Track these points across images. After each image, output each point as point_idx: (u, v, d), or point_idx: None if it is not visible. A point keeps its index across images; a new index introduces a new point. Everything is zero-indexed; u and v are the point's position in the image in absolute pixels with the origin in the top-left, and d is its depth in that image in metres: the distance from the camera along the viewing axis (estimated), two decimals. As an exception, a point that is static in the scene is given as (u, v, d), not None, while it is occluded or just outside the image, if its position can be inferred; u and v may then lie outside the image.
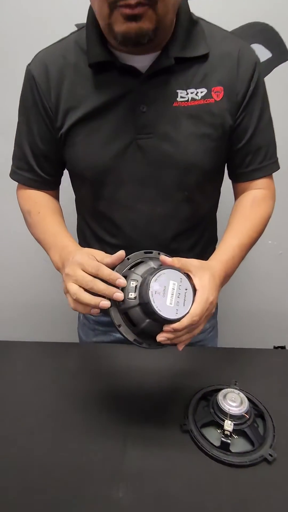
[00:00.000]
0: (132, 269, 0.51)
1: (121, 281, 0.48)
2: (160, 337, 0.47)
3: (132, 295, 0.48)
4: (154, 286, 0.46)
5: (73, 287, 0.48)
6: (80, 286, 0.48)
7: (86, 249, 0.53)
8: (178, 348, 0.50)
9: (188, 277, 0.50)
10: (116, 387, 0.66)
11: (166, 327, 0.47)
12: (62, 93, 0.59)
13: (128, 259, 0.51)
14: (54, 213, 0.67)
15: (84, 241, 0.75)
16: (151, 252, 0.53)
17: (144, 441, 0.56)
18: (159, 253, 0.53)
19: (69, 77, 0.59)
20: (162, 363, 0.71)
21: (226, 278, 0.58)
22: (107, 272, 0.48)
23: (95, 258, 0.50)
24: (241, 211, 0.65)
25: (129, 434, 0.57)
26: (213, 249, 0.78)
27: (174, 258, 0.49)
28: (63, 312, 1.21)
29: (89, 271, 0.48)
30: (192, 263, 0.51)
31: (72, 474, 0.52)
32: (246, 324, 1.30)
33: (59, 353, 0.74)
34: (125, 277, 0.49)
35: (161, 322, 0.47)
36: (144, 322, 0.48)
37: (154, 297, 0.46)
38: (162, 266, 0.49)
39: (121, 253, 0.50)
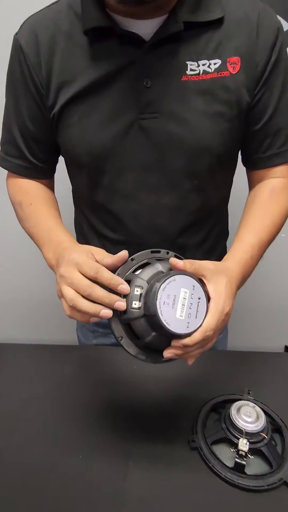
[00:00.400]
0: (137, 273, 0.44)
1: (124, 287, 0.42)
2: (168, 353, 0.41)
3: (136, 304, 0.42)
4: (163, 296, 0.40)
5: (69, 292, 0.42)
6: (76, 291, 0.42)
7: (85, 246, 0.47)
8: (187, 363, 0.44)
9: (201, 282, 0.43)
10: (116, 395, 0.60)
11: (175, 342, 0.41)
12: (54, 66, 0.52)
13: (132, 259, 0.45)
14: (48, 205, 0.60)
15: (82, 236, 0.68)
16: (159, 252, 0.46)
17: (148, 460, 0.50)
18: (168, 253, 0.46)
19: (61, 47, 0.51)
20: (167, 369, 0.64)
21: (243, 281, 0.51)
22: (107, 276, 0.41)
23: (94, 258, 0.44)
24: (259, 204, 0.57)
25: (131, 452, 0.51)
26: (224, 245, 0.71)
27: (186, 261, 0.43)
28: (61, 312, 1.15)
29: (87, 273, 0.42)
30: (206, 267, 0.44)
31: (66, 497, 0.46)
32: (256, 322, 1.24)
33: (56, 356, 0.69)
34: (128, 282, 0.43)
35: (169, 337, 0.41)
36: (150, 335, 0.42)
37: (162, 309, 0.39)
38: (172, 270, 0.42)
39: (124, 253, 0.43)
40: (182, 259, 0.46)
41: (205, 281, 0.44)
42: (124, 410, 0.58)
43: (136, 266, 0.45)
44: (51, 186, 0.66)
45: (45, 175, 0.63)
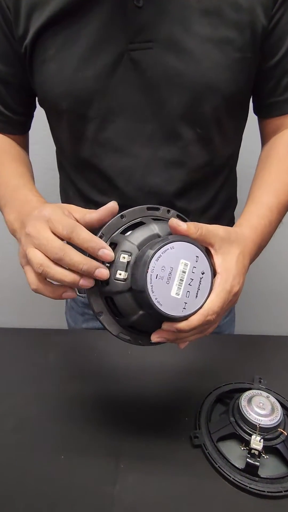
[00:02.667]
0: (126, 234, 0.35)
1: (107, 252, 0.33)
2: (157, 338, 0.34)
3: (121, 274, 0.33)
4: (156, 267, 0.31)
5: (37, 256, 0.33)
6: (46, 255, 0.33)
7: (61, 204, 0.38)
8: (179, 346, 0.36)
9: (207, 252, 0.35)
10: (106, 385, 0.52)
11: (167, 326, 0.33)
12: None
13: (122, 217, 0.36)
14: (16, 161, 0.50)
15: (67, 202, 0.59)
16: (157, 209, 0.37)
17: (142, 460, 0.42)
18: (168, 211, 0.37)
19: None
20: (167, 355, 0.56)
21: (258, 252, 0.42)
22: (85, 237, 0.33)
23: (72, 216, 0.35)
24: (275, 159, 0.48)
25: (122, 452, 0.43)
26: (232, 214, 0.62)
27: (190, 223, 0.34)
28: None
29: (60, 232, 0.33)
30: (216, 233, 0.35)
31: (44, 505, 0.38)
32: (265, 304, 1.15)
33: (38, 342, 0.60)
34: (115, 245, 0.34)
35: (160, 318, 0.33)
36: (136, 314, 0.34)
37: (153, 284, 0.31)
38: (171, 235, 0.33)
39: (112, 205, 0.34)
40: (186, 220, 0.37)
41: (212, 251, 0.35)
42: (114, 402, 0.50)
43: (126, 226, 0.36)
44: (23, 144, 0.56)
45: (17, 129, 0.54)
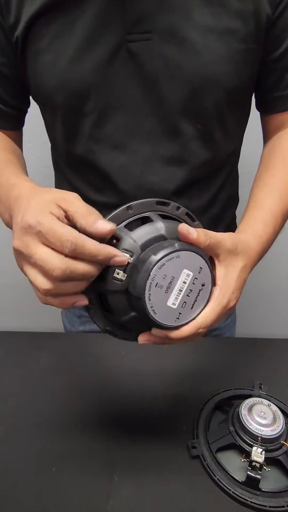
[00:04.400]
0: (131, 232, 0.32)
1: (119, 260, 0.30)
2: (144, 340, 0.33)
3: (119, 274, 0.31)
4: (157, 275, 0.30)
5: (43, 252, 0.28)
6: (53, 249, 0.28)
7: (48, 191, 0.32)
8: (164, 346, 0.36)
9: (211, 260, 0.33)
10: (100, 392, 0.50)
11: (156, 331, 0.32)
12: None
13: (129, 208, 0.33)
14: (4, 150, 0.47)
15: None
16: (167, 205, 0.34)
17: (137, 472, 0.40)
18: (178, 208, 0.35)
19: None
20: (164, 360, 0.54)
21: (260, 259, 0.40)
22: (92, 250, 0.29)
23: (62, 211, 0.30)
24: (279, 158, 0.46)
25: (116, 463, 0.41)
26: (233, 214, 0.59)
27: (200, 231, 0.31)
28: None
29: (59, 250, 0.28)
30: (224, 244, 0.33)
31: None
32: (267, 306, 1.13)
33: (31, 345, 0.58)
34: (117, 240, 0.32)
35: (152, 325, 0.32)
36: (127, 315, 0.33)
37: (151, 292, 0.30)
38: (178, 242, 0.31)
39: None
40: (194, 219, 0.35)
41: (216, 260, 0.34)
42: (109, 410, 0.48)
43: (131, 219, 0.33)
44: (17, 142, 0.53)
45: (9, 124, 0.51)
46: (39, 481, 0.39)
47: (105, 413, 0.47)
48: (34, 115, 0.52)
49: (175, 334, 0.32)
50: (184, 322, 0.32)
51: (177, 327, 0.32)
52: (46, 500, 0.38)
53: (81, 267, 0.29)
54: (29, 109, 0.54)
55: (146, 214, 0.33)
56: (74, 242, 0.28)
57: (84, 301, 0.31)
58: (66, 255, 0.28)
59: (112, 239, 0.32)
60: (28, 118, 0.54)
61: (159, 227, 0.33)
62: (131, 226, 0.33)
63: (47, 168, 0.60)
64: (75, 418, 0.46)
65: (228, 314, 0.35)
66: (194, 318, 0.32)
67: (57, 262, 0.28)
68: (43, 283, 0.29)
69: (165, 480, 0.40)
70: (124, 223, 0.33)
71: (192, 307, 0.32)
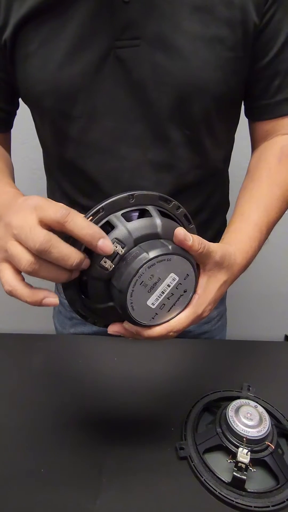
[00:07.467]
0: (127, 222, 0.32)
1: (107, 243, 0.29)
2: (114, 331, 0.34)
3: (106, 263, 0.31)
4: (145, 274, 0.30)
5: (16, 250, 0.29)
6: (29, 251, 0.28)
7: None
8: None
9: (198, 270, 0.34)
10: (89, 394, 0.50)
11: (128, 325, 0.33)
12: None
13: (130, 197, 0.32)
14: None
15: None
16: (169, 202, 0.34)
17: (125, 474, 0.41)
18: (178, 208, 0.35)
19: None
20: (153, 362, 0.55)
21: (241, 273, 0.41)
22: (81, 223, 0.28)
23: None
24: (265, 169, 0.46)
25: (104, 465, 0.42)
26: (224, 219, 0.60)
27: (195, 239, 0.32)
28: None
29: (51, 217, 0.28)
30: (214, 256, 0.34)
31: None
32: (253, 310, 1.14)
33: (21, 347, 0.58)
34: (111, 227, 0.32)
35: (126, 318, 0.33)
36: (104, 304, 0.33)
37: (135, 290, 0.30)
38: (172, 245, 0.31)
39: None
40: (191, 222, 0.36)
41: (201, 269, 0.35)
42: (97, 412, 0.48)
43: (130, 209, 0.33)
44: (5, 145, 0.54)
45: None
46: (28, 482, 0.40)
47: (94, 414, 0.48)
48: (28, 117, 0.52)
49: (146, 332, 0.33)
50: (157, 322, 0.33)
51: (149, 326, 0.33)
52: (33, 500, 0.38)
53: (64, 246, 0.28)
54: (23, 111, 0.54)
55: (146, 207, 0.33)
56: (65, 214, 0.28)
57: (55, 300, 0.30)
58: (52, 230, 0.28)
59: (107, 226, 0.31)
60: (22, 120, 0.55)
61: (156, 224, 0.32)
62: (128, 216, 0.33)
63: (39, 171, 0.60)
64: (64, 419, 0.47)
65: (199, 321, 0.36)
66: (167, 321, 0.33)
67: (43, 233, 0.28)
68: (26, 256, 0.28)
69: (152, 481, 0.40)
70: (123, 211, 0.32)
71: (169, 310, 0.33)
